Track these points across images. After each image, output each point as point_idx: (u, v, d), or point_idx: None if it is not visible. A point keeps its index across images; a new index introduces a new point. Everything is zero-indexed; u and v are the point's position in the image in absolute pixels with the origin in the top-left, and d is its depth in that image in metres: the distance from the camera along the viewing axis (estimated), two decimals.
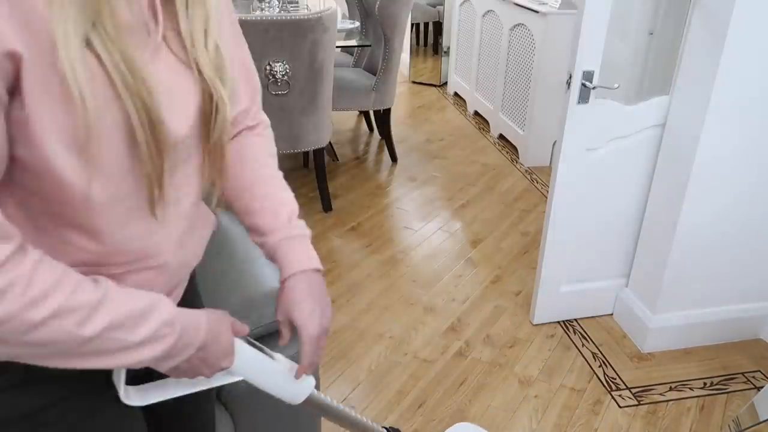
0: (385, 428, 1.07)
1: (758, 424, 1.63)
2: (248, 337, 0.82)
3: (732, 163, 1.85)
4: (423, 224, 3.04)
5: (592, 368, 2.07)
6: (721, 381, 2.01)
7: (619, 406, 1.91)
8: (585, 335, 2.23)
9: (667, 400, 1.93)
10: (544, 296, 2.22)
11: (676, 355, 2.12)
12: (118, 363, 0.62)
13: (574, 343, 2.20)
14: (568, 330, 2.26)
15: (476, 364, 2.09)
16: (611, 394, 1.95)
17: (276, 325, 1.24)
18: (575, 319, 2.31)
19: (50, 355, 0.58)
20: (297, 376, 0.83)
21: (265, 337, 1.26)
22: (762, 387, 1.90)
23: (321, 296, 0.84)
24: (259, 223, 0.84)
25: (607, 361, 2.10)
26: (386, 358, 2.12)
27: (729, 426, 1.73)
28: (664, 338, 2.12)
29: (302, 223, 0.87)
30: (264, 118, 0.90)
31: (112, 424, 0.78)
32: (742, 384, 1.99)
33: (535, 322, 2.28)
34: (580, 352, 2.15)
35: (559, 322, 2.30)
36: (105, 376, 0.74)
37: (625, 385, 1.99)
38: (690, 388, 1.98)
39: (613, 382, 2.01)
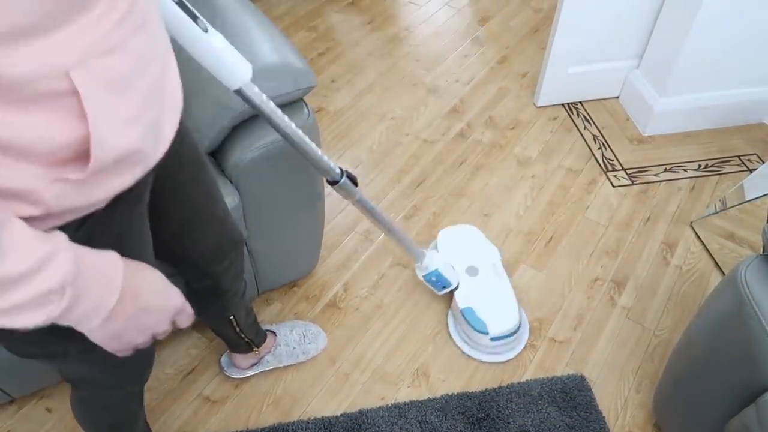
0: (341, 169, 1.15)
1: (743, 203, 1.69)
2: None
3: None
4: None
5: (591, 150, 2.10)
6: (715, 163, 2.05)
7: (613, 186, 1.97)
8: (588, 118, 2.22)
9: (660, 181, 1.99)
10: (551, 77, 2.16)
11: (676, 139, 2.13)
12: None
13: (576, 125, 2.19)
14: (572, 112, 2.24)
15: (477, 146, 2.11)
16: (606, 175, 2.01)
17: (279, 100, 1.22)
18: (580, 102, 2.28)
19: None
20: None
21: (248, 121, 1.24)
22: (755, 169, 1.95)
23: None
24: None
25: (607, 143, 2.12)
26: (388, 138, 2.14)
27: (715, 205, 1.81)
28: (667, 121, 2.11)
29: None
30: None
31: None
32: (735, 166, 2.03)
33: (539, 105, 2.25)
34: (581, 135, 2.15)
35: (563, 104, 2.27)
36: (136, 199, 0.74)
37: (621, 166, 2.04)
38: (684, 170, 2.02)
39: (610, 163, 2.05)
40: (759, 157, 2.07)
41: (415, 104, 2.27)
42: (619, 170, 2.02)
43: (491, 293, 1.56)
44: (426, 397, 1.46)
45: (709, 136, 2.14)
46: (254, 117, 1.22)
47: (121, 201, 0.66)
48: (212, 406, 1.46)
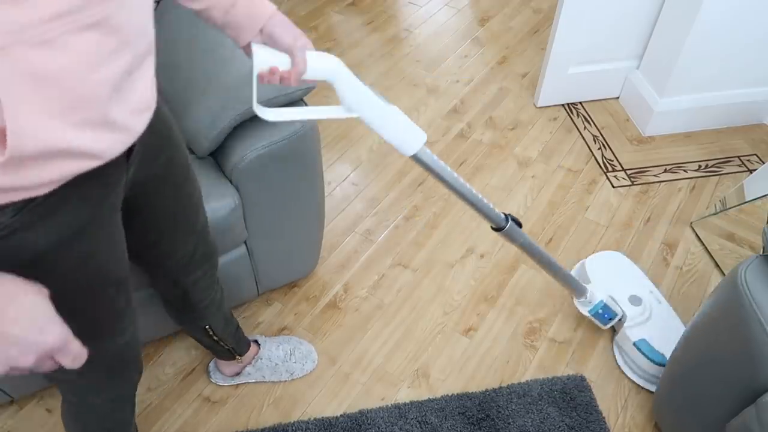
0: (504, 214, 1.18)
1: (743, 203, 1.69)
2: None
3: None
4: None
5: (591, 150, 2.10)
6: (716, 164, 2.05)
7: (613, 186, 1.97)
8: (588, 118, 2.22)
9: (660, 181, 1.99)
10: (551, 78, 2.16)
11: (677, 139, 2.13)
12: None
13: (576, 126, 2.19)
14: (572, 113, 2.24)
15: (477, 146, 2.11)
16: (606, 175, 2.01)
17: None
18: (580, 102, 2.28)
19: None
20: (295, 77, 0.84)
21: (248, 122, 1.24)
22: (755, 170, 1.94)
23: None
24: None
25: (607, 144, 2.12)
26: None
27: (715, 205, 1.81)
28: (667, 122, 2.11)
29: None
30: None
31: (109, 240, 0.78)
32: (736, 167, 2.03)
33: (539, 105, 2.25)
34: (581, 135, 2.15)
35: (563, 105, 2.27)
36: (104, 207, 0.74)
37: (622, 166, 2.04)
38: (684, 170, 2.02)
39: (610, 163, 2.05)
40: (759, 158, 2.07)
41: (415, 104, 2.27)
42: (619, 170, 2.02)
43: (660, 322, 1.49)
44: (426, 398, 1.46)
45: (710, 137, 2.14)
46: (254, 118, 1.22)
47: (73, 194, 0.66)
48: (212, 406, 1.46)
